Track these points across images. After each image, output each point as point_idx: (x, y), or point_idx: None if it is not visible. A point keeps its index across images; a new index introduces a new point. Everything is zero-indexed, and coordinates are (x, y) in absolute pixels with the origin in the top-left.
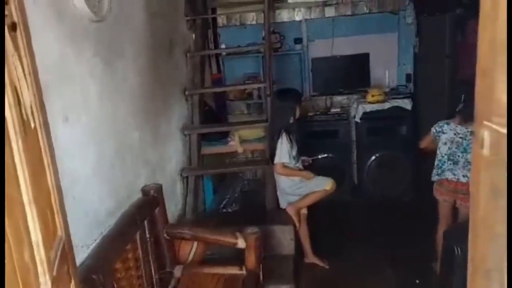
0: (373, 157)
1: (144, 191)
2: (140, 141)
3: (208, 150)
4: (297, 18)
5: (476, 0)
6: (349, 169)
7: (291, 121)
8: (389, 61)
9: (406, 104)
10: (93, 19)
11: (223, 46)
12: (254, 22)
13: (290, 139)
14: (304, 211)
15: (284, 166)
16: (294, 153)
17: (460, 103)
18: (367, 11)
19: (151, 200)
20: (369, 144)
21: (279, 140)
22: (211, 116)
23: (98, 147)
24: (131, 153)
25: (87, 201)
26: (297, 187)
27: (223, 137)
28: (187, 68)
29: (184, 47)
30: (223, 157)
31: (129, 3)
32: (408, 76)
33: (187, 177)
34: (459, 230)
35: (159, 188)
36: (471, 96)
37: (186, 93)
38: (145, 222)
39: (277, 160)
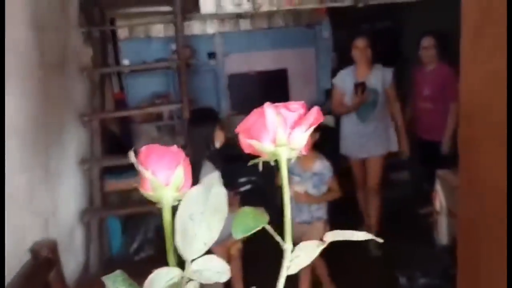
0: None
1: (34, 252)
2: (28, 186)
3: (113, 185)
4: (210, 31)
5: (386, 15)
6: (272, 191)
7: (214, 147)
8: (308, 76)
9: (329, 121)
10: None
11: (125, 61)
12: (161, 35)
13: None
14: (238, 245)
15: None
16: None
17: None
18: (283, 25)
19: (43, 263)
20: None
21: (202, 172)
22: (116, 144)
23: None
24: (16, 203)
25: None
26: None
27: (132, 168)
28: (84, 88)
29: (80, 64)
30: (132, 192)
31: (9, 18)
32: (327, 92)
33: (88, 221)
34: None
35: (52, 245)
36: None
37: (85, 118)
38: None
39: None
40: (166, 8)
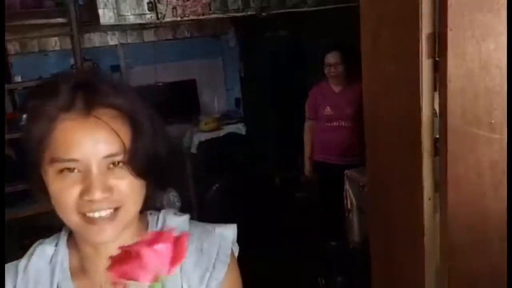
0: (214, 188)
1: None
2: None
3: (10, 215)
4: (112, 43)
5: (286, 23)
6: (188, 206)
7: None
8: (217, 86)
9: (240, 129)
10: None
11: (18, 78)
12: (58, 48)
13: None
14: None
15: None
16: None
17: None
18: (189, 35)
19: None
20: (208, 175)
21: None
22: (10, 169)
23: None
24: None
25: None
26: None
27: (29, 194)
28: None
29: None
30: (34, 220)
31: None
32: (237, 101)
33: None
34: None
35: None
36: None
37: None
38: None
39: None
40: (61, 20)
